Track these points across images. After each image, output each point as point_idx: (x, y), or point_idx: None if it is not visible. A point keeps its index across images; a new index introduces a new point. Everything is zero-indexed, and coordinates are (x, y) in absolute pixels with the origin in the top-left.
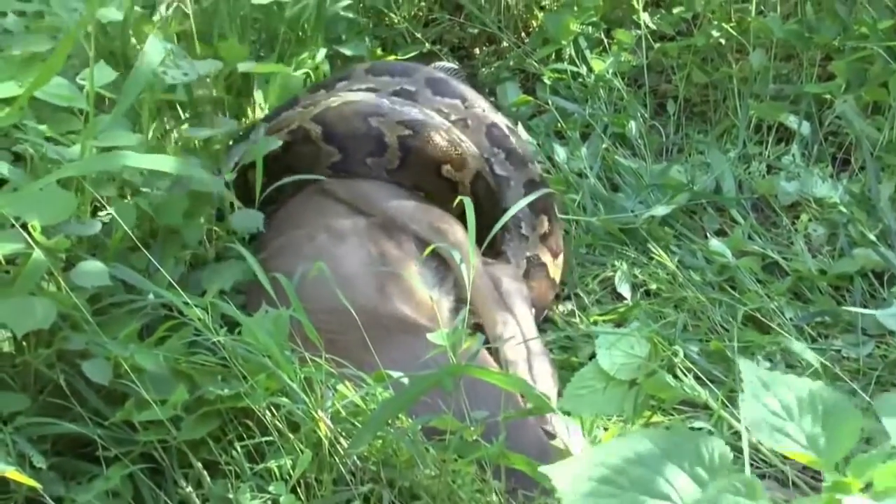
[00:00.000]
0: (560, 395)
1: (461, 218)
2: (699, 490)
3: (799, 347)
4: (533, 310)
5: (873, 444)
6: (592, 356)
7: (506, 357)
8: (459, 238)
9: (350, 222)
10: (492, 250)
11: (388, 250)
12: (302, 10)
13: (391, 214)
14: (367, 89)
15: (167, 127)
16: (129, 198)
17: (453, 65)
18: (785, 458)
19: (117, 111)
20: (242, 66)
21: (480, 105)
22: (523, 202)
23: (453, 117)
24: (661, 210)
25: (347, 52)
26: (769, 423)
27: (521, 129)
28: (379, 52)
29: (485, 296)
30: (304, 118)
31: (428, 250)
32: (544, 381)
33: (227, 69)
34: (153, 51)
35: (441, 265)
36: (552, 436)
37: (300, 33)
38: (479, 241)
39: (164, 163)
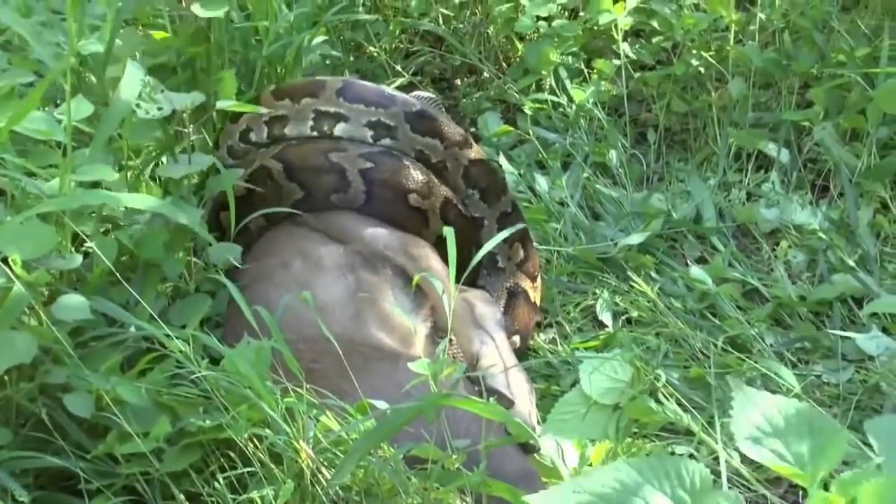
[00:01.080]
0: (538, 411)
1: (435, 245)
2: None
3: (781, 370)
4: (507, 334)
5: (852, 468)
6: (574, 384)
7: (483, 373)
8: (433, 264)
9: (325, 249)
10: (469, 284)
11: (364, 276)
12: (283, 46)
13: (366, 241)
14: (336, 114)
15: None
16: (109, 232)
17: (431, 94)
18: (766, 482)
19: (95, 144)
20: (221, 104)
21: (457, 138)
22: (497, 238)
23: (433, 160)
24: (636, 238)
25: None
26: (755, 438)
27: (501, 158)
28: None
29: (460, 317)
30: (265, 157)
31: (414, 280)
32: (522, 397)
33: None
34: (131, 82)
35: (418, 291)
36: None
37: (278, 68)
38: (457, 269)
39: (144, 201)
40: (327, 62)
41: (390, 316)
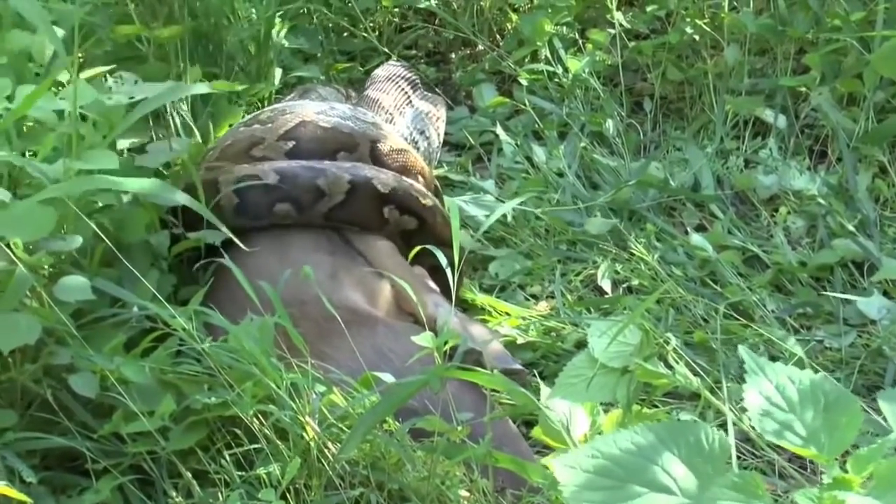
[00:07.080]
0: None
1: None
2: (698, 481)
3: (783, 336)
4: None
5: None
6: (579, 344)
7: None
8: (393, 256)
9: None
10: None
11: (339, 244)
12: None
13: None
14: None
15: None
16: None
17: (402, 64)
18: (776, 447)
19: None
20: (197, 88)
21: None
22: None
23: None
24: (599, 226)
25: (303, 73)
26: (771, 416)
27: (498, 128)
28: (344, 66)
29: (412, 283)
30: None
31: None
32: (482, 335)
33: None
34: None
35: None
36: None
37: (247, 53)
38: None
39: (142, 185)
40: (302, 48)
41: (365, 279)
